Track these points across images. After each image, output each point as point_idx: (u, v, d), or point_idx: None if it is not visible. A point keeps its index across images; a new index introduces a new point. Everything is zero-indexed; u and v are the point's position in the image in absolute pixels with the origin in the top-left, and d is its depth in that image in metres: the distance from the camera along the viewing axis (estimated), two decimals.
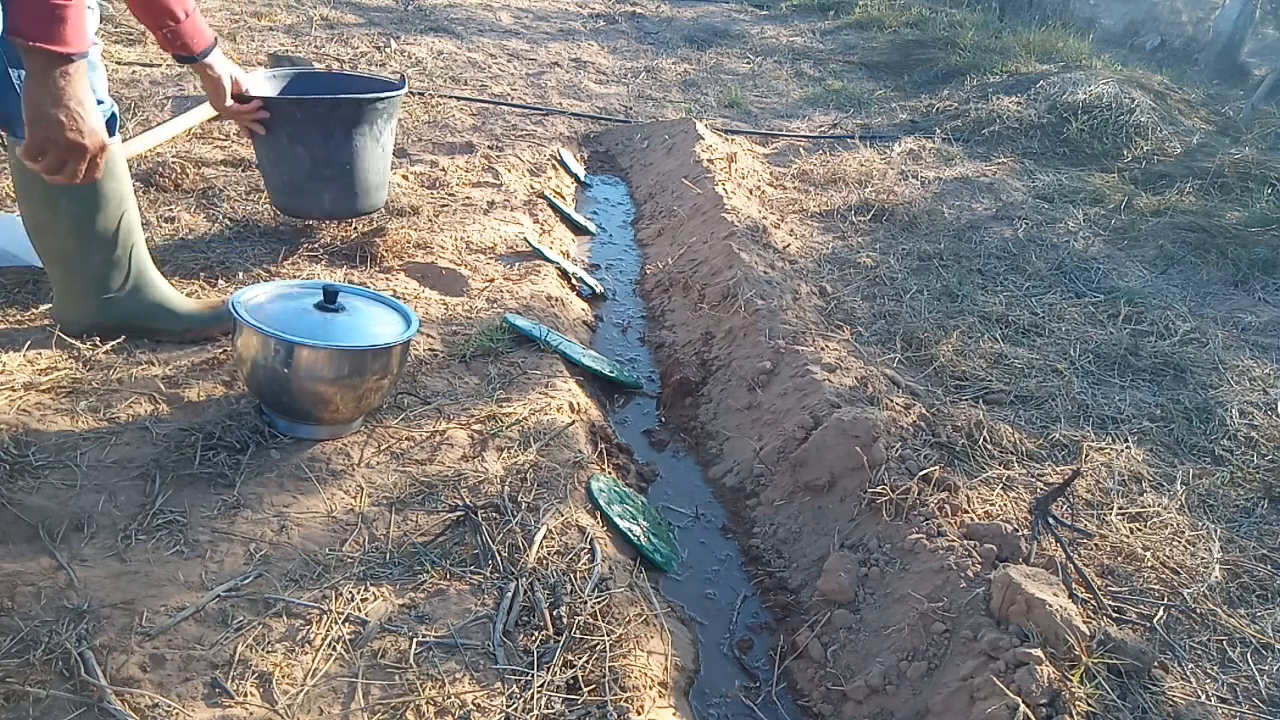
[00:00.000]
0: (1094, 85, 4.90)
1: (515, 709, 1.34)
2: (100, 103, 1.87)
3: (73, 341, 1.98)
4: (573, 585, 1.59)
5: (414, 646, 1.41)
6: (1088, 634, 1.45)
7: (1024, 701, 1.32)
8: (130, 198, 2.00)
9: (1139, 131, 4.61)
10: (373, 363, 1.77)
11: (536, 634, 1.48)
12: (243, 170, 3.14)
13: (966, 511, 1.80)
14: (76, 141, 1.53)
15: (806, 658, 1.64)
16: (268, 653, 1.36)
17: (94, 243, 1.95)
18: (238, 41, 4.83)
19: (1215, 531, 1.85)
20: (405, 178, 3.38)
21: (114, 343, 2.03)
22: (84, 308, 2.00)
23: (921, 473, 1.86)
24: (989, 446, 2.06)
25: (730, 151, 4.01)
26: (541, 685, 1.38)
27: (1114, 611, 1.60)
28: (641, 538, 1.83)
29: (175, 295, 2.13)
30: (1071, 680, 1.38)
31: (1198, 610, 1.64)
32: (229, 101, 2.23)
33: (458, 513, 1.70)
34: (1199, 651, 1.56)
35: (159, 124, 3.31)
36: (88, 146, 1.55)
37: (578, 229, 3.53)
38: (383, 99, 2.56)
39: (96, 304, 2.00)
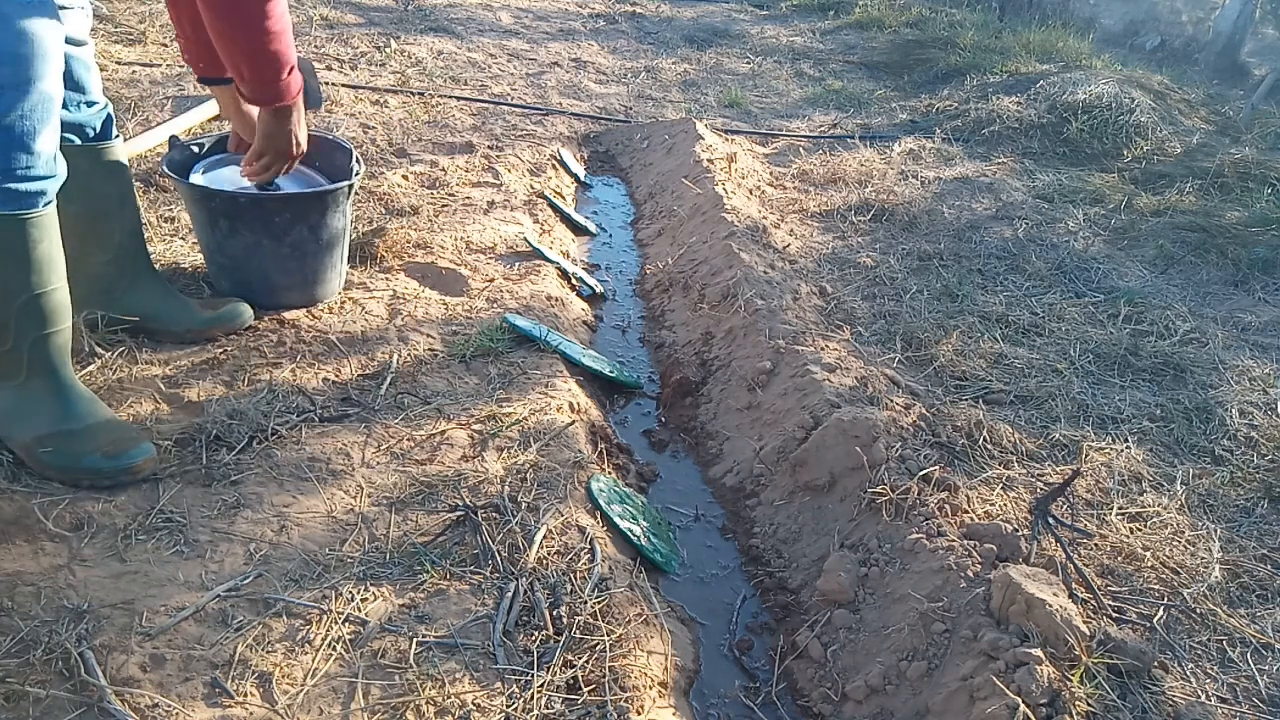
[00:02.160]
0: (1094, 85, 4.90)
1: (515, 709, 1.34)
2: (94, 103, 1.87)
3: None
4: (573, 585, 1.59)
5: (414, 646, 1.41)
6: (1088, 634, 1.45)
7: (1024, 701, 1.32)
8: (131, 199, 2.00)
9: (1139, 131, 4.61)
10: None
11: (536, 634, 1.48)
12: None
13: (966, 511, 1.80)
14: (293, 155, 2.03)
15: (806, 658, 1.64)
16: (268, 653, 1.36)
17: (95, 244, 1.94)
18: None
19: (1215, 531, 1.85)
20: (405, 178, 3.38)
21: (121, 326, 2.03)
22: (93, 300, 2.00)
23: (921, 473, 1.86)
24: (989, 446, 2.06)
25: (730, 151, 4.01)
26: (541, 685, 1.38)
27: (1114, 611, 1.60)
28: (641, 538, 1.83)
29: (176, 295, 2.12)
30: (1071, 680, 1.39)
31: (1198, 610, 1.64)
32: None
33: (458, 513, 1.70)
34: (1199, 651, 1.56)
35: (159, 124, 3.31)
36: (297, 157, 2.05)
37: (578, 229, 3.53)
38: (271, 200, 2.20)
39: (97, 305, 2.00)
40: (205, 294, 2.33)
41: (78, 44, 1.79)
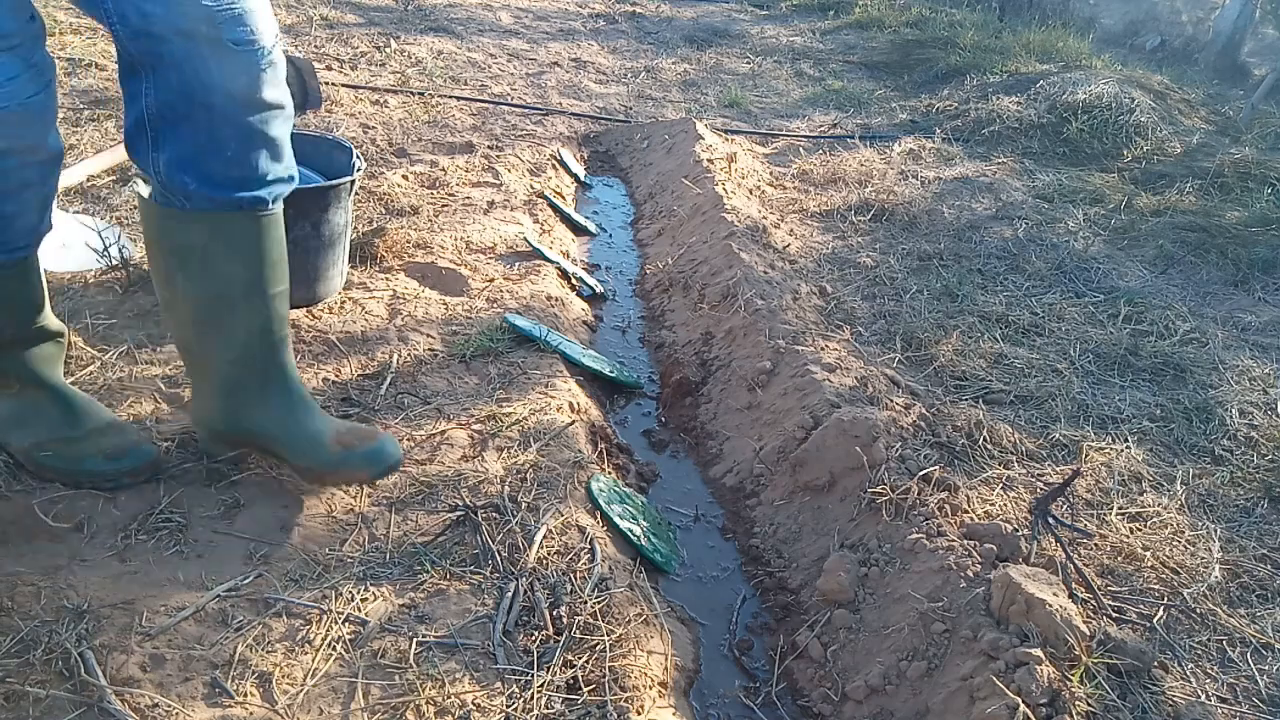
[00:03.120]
0: (1094, 85, 4.90)
1: (515, 709, 1.34)
2: (290, 179, 1.54)
3: (211, 450, 1.70)
4: (573, 585, 1.59)
5: (414, 646, 1.41)
6: (1088, 634, 1.45)
7: (1024, 701, 1.32)
8: (262, 288, 1.54)
9: (1139, 131, 4.61)
10: None
11: (536, 634, 1.48)
12: None
13: (966, 511, 1.80)
14: None
15: (806, 658, 1.64)
16: (268, 653, 1.36)
17: (215, 337, 1.55)
18: None
19: (1215, 531, 1.85)
20: (405, 178, 3.38)
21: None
22: (211, 408, 1.63)
23: (921, 473, 1.86)
24: (989, 446, 2.06)
25: (730, 151, 4.01)
26: (541, 685, 1.38)
27: (1114, 611, 1.60)
28: (641, 538, 1.83)
29: (309, 421, 1.63)
30: (1071, 680, 1.39)
31: (1198, 610, 1.64)
32: None
33: (458, 513, 1.70)
34: (1199, 651, 1.56)
35: None
36: None
37: (578, 229, 3.53)
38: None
39: (222, 406, 1.62)
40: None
41: (277, 106, 1.46)
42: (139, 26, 1.29)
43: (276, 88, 1.44)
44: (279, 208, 1.55)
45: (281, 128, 1.48)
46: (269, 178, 1.49)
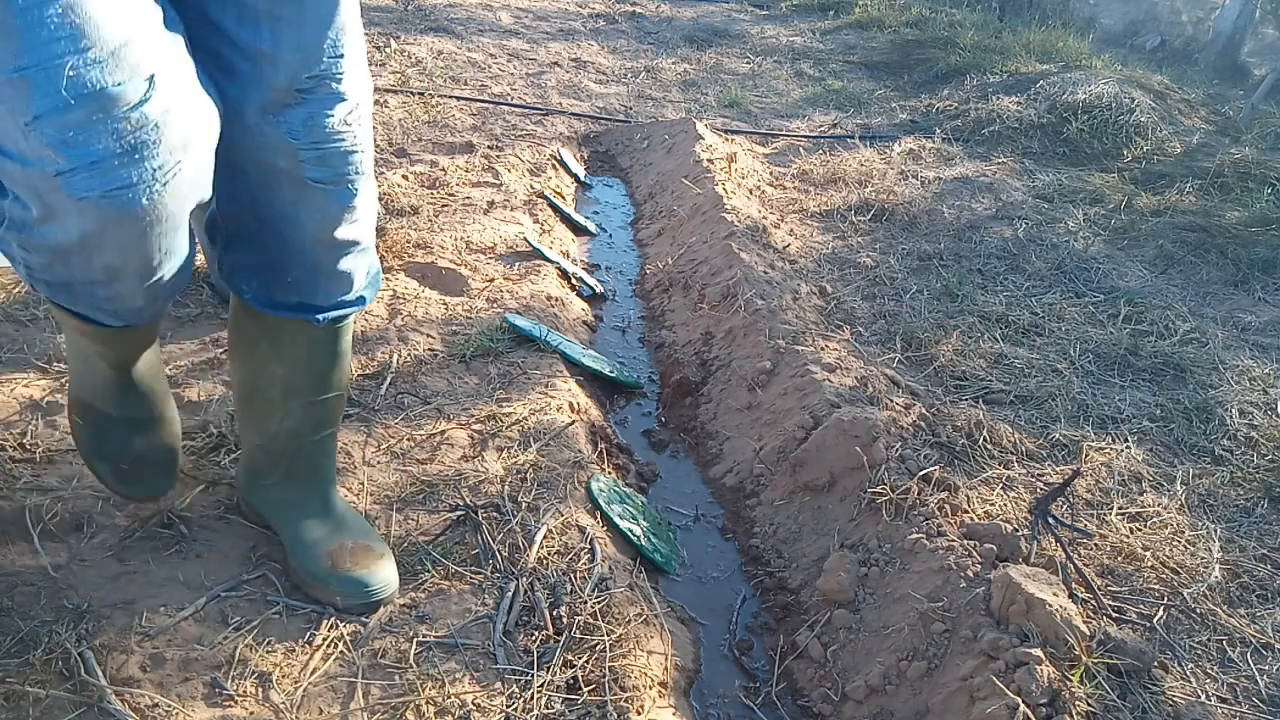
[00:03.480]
0: (1094, 85, 4.90)
1: (515, 709, 1.34)
2: (357, 302, 1.44)
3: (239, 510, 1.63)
4: (573, 585, 1.59)
5: (414, 646, 1.41)
6: (1088, 634, 1.45)
7: (1024, 701, 1.32)
8: (299, 397, 1.47)
9: (1139, 131, 4.61)
10: None
11: (536, 634, 1.48)
12: None
13: (966, 511, 1.80)
14: None
15: (806, 658, 1.64)
16: (268, 653, 1.36)
17: (250, 419, 1.52)
18: None
19: (1215, 531, 1.85)
20: (405, 178, 3.38)
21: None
22: (240, 475, 1.61)
23: (921, 473, 1.86)
24: (989, 446, 2.06)
25: (730, 151, 4.01)
26: (541, 685, 1.38)
27: (1114, 611, 1.60)
28: (641, 538, 1.83)
29: (323, 524, 1.54)
30: (1071, 680, 1.39)
31: (1198, 610, 1.64)
32: None
33: (458, 512, 1.70)
34: (1199, 651, 1.56)
35: None
36: None
37: (578, 229, 3.53)
38: None
39: (247, 480, 1.59)
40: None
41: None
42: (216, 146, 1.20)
43: (355, 225, 1.32)
44: (345, 323, 1.45)
45: (353, 262, 1.37)
46: (328, 304, 1.39)
